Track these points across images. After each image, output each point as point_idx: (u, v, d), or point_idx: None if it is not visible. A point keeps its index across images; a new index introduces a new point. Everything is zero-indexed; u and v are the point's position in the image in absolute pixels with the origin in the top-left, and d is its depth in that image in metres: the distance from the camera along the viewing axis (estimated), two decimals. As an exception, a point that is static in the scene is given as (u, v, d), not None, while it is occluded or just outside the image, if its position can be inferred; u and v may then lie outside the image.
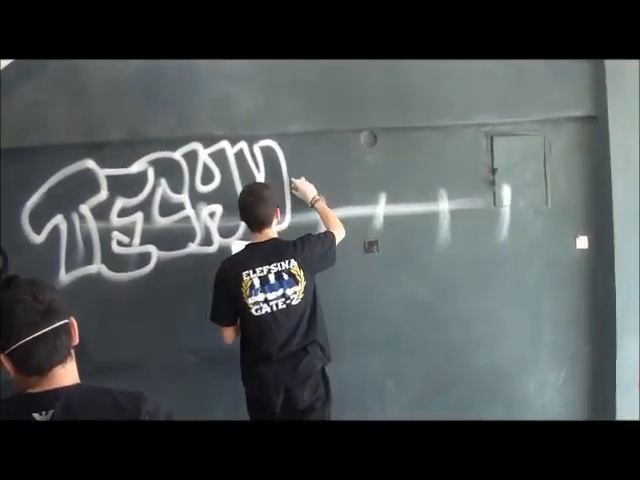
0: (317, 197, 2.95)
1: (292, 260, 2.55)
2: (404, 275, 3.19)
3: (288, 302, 2.53)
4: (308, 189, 2.97)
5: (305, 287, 2.56)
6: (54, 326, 1.30)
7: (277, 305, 2.52)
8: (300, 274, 2.55)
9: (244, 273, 2.52)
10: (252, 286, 2.51)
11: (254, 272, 2.52)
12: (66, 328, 1.34)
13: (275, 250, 2.57)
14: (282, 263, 2.54)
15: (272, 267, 2.53)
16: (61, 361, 1.32)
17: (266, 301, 2.51)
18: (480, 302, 3.22)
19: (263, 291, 2.51)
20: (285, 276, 2.53)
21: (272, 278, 2.52)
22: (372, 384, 3.22)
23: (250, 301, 2.51)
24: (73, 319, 1.37)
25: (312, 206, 2.95)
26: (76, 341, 1.38)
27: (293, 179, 3.05)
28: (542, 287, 3.27)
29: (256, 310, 2.51)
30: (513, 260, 3.25)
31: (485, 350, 3.23)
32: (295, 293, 2.54)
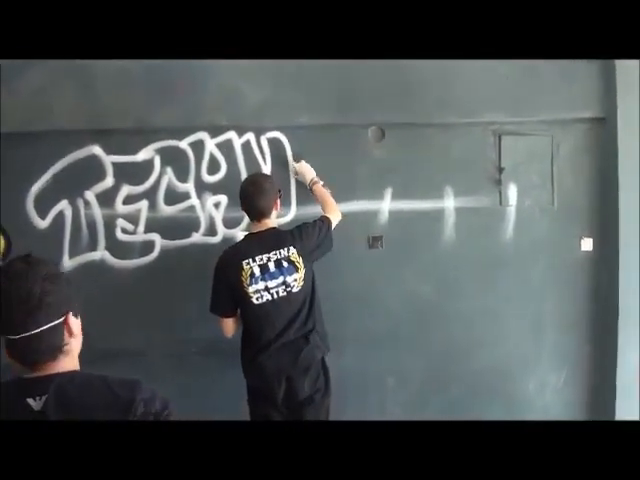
0: (315, 179, 2.95)
1: (291, 247, 2.55)
2: (408, 271, 3.18)
3: (289, 290, 2.53)
4: (307, 171, 2.98)
5: (305, 274, 2.56)
6: (42, 329, 1.24)
7: (278, 293, 2.52)
8: (300, 261, 2.55)
9: (244, 262, 2.51)
10: (252, 274, 2.50)
11: (254, 261, 2.52)
12: (57, 328, 1.27)
13: (274, 238, 2.57)
14: (281, 251, 2.54)
15: (272, 255, 2.53)
16: (50, 359, 1.28)
17: (267, 289, 2.51)
18: (483, 301, 3.22)
19: (263, 279, 2.51)
20: (285, 264, 2.53)
21: (272, 266, 2.52)
22: (373, 379, 3.22)
23: (250, 290, 2.50)
24: (71, 315, 1.30)
25: (310, 189, 2.95)
26: (75, 336, 1.32)
27: (293, 163, 3.05)
28: (545, 287, 3.26)
29: (257, 299, 2.51)
30: (517, 259, 3.24)
31: (487, 349, 3.23)
32: (295, 280, 2.54)
